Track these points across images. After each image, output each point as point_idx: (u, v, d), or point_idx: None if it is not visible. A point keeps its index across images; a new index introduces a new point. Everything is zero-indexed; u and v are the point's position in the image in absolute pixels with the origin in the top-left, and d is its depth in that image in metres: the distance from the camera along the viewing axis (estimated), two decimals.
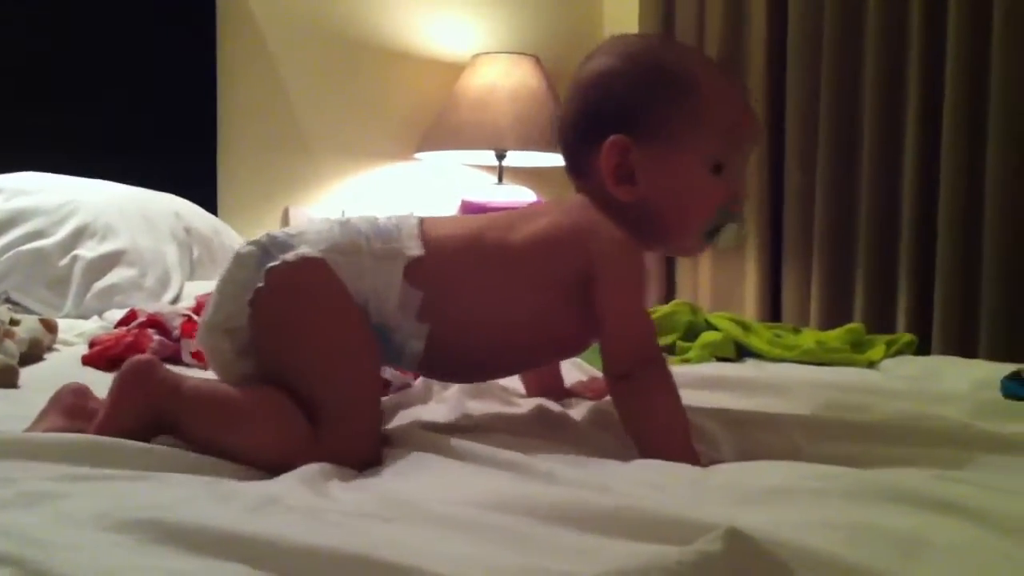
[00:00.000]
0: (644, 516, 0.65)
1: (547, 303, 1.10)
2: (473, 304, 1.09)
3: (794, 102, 2.93)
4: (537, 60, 3.06)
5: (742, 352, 1.74)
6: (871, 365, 1.64)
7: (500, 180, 3.11)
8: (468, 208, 2.99)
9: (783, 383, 1.36)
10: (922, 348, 2.51)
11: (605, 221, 1.10)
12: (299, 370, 1.01)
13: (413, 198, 3.17)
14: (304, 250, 1.03)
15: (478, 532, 0.68)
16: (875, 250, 2.72)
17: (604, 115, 1.12)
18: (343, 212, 2.98)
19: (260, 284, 1.01)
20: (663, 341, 1.74)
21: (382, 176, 3.13)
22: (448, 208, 3.07)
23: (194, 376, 1.04)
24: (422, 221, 1.10)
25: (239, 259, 1.04)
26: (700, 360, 1.68)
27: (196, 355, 1.56)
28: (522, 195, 3.06)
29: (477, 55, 3.08)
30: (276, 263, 1.02)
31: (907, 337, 1.80)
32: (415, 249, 1.06)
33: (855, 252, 2.77)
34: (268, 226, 2.89)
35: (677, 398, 1.06)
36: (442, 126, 2.99)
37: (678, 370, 1.25)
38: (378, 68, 3.11)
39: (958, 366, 1.60)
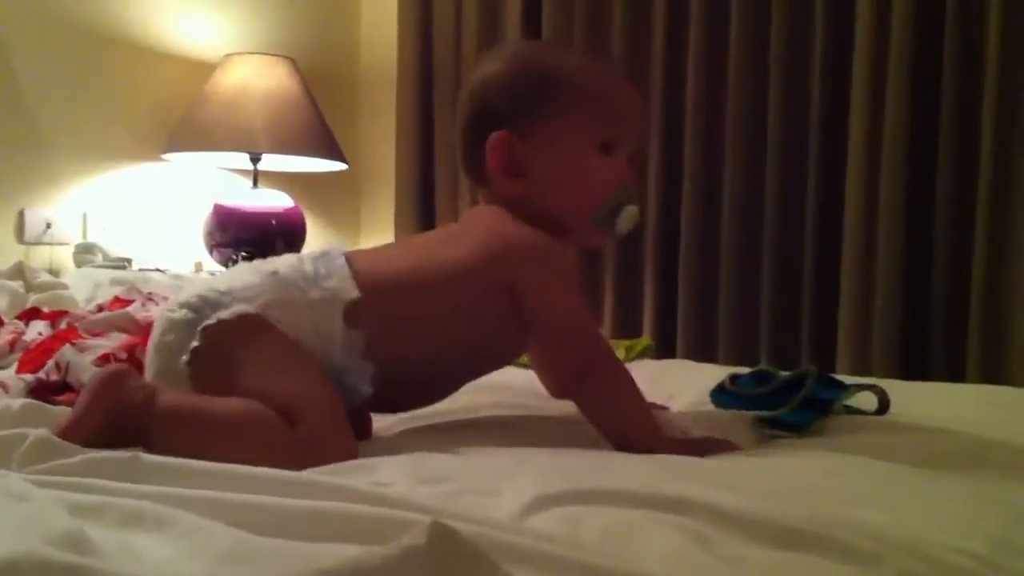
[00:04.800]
0: (350, 517, 0.65)
1: (482, 325, 1.12)
2: (413, 338, 1.09)
3: None
4: (293, 62, 3.02)
5: None
6: None
7: (255, 184, 3.04)
8: (220, 212, 2.91)
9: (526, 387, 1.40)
10: (668, 351, 2.65)
11: (515, 223, 1.13)
12: (255, 394, 0.98)
13: (162, 201, 3.05)
14: (240, 307, 1.02)
15: (201, 540, 0.66)
16: (622, 256, 2.84)
17: (487, 118, 1.17)
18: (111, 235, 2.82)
19: (196, 343, 1.01)
20: None
21: (127, 177, 2.99)
22: (200, 212, 2.98)
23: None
24: (348, 260, 1.09)
25: (171, 324, 1.04)
26: None
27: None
28: (278, 200, 3.00)
29: (229, 55, 3.00)
30: (211, 322, 1.01)
31: (645, 341, 1.88)
32: (351, 291, 1.05)
33: (602, 258, 2.87)
34: (0, 229, 2.71)
35: (635, 391, 1.10)
36: (192, 126, 2.90)
37: None
38: (122, 64, 2.97)
39: (687, 370, 1.68)
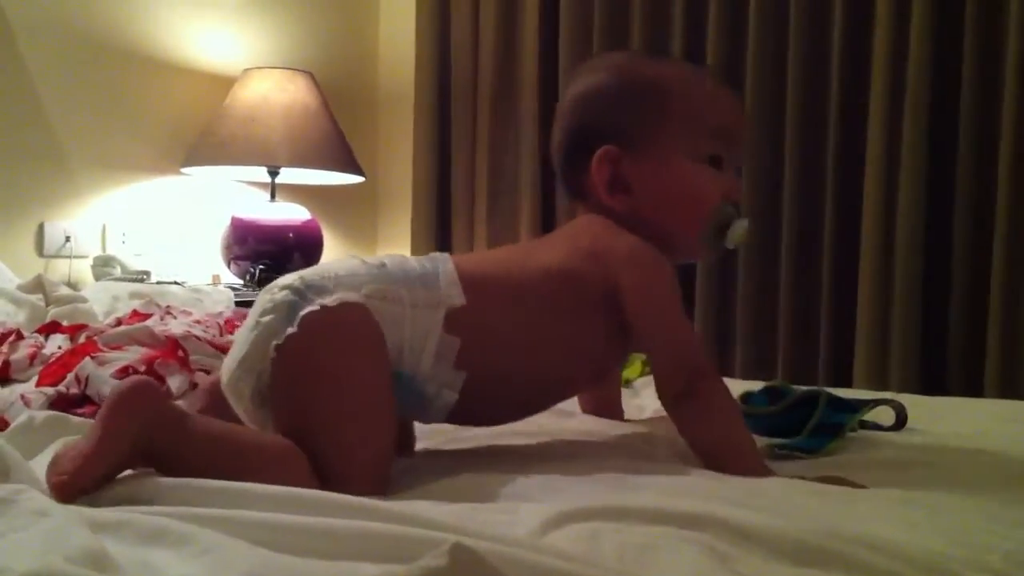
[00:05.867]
0: (371, 535, 0.66)
1: (580, 330, 1.08)
2: (510, 347, 1.06)
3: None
4: (311, 76, 3.04)
5: None
6: (627, 384, 1.70)
7: (273, 197, 3.06)
8: (238, 225, 2.93)
9: None
10: None
11: (618, 231, 1.10)
12: (320, 418, 0.94)
13: (180, 214, 3.07)
14: (344, 295, 0.97)
15: (222, 558, 0.67)
16: None
17: (590, 132, 1.14)
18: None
19: (292, 330, 0.95)
20: None
21: (146, 191, 3.01)
22: (218, 225, 3.00)
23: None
24: (456, 263, 1.06)
25: (274, 304, 0.98)
26: None
27: None
28: (296, 213, 3.02)
29: (248, 69, 3.02)
30: (315, 309, 0.96)
31: None
32: (457, 298, 1.02)
33: None
34: (21, 242, 2.73)
35: (737, 411, 1.07)
36: (211, 140, 2.92)
37: None
38: (142, 78, 2.99)
39: None
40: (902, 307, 2.37)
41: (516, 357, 1.07)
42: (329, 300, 0.97)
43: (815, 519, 0.80)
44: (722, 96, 1.20)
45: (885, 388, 2.29)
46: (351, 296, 0.98)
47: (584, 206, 1.17)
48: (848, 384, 2.39)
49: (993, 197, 2.28)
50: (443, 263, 1.06)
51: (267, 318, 0.98)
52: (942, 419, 1.40)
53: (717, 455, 1.02)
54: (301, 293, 0.99)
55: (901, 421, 1.32)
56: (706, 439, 1.05)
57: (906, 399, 1.43)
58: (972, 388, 2.29)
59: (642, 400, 1.56)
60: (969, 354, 2.34)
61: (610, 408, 1.33)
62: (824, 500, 0.88)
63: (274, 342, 0.96)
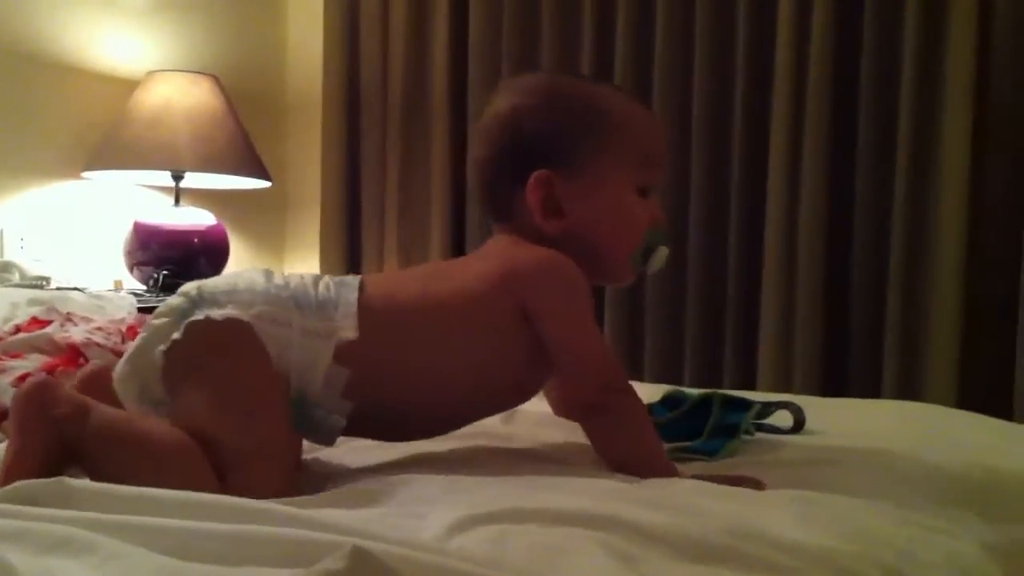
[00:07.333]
0: (275, 540, 0.66)
1: (489, 356, 1.07)
2: (405, 378, 1.04)
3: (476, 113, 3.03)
4: (216, 80, 2.99)
5: None
6: None
7: (177, 202, 3.00)
8: (141, 230, 2.88)
9: None
10: None
11: (528, 246, 1.08)
12: (207, 418, 0.94)
13: (82, 219, 3.00)
14: (232, 311, 0.97)
15: (125, 566, 0.66)
16: None
17: (521, 153, 1.11)
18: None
19: (178, 336, 0.97)
20: None
21: (46, 195, 2.94)
22: (121, 230, 2.93)
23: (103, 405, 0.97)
24: (362, 288, 1.04)
25: (168, 308, 1.00)
26: None
27: None
28: (200, 218, 2.97)
29: (151, 72, 2.96)
30: (199, 318, 0.97)
31: None
32: (349, 331, 1.00)
33: None
34: None
35: (649, 423, 1.07)
36: (113, 144, 2.85)
37: None
38: (42, 81, 2.91)
39: None
40: (805, 311, 2.43)
41: (409, 394, 1.06)
42: (216, 313, 0.98)
43: (717, 518, 0.82)
44: (651, 123, 1.20)
45: (789, 390, 2.35)
46: (239, 313, 0.98)
47: (507, 227, 1.15)
48: (753, 386, 2.44)
49: (890, 205, 2.35)
50: (348, 292, 1.04)
51: (159, 321, 1.00)
52: (840, 421, 1.44)
53: (629, 467, 1.03)
54: (195, 301, 1.00)
55: (799, 424, 1.36)
56: (619, 452, 1.05)
57: (806, 401, 1.47)
58: (872, 389, 2.35)
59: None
60: (869, 356, 2.41)
61: None
62: (726, 500, 0.90)
63: (161, 347, 0.98)
